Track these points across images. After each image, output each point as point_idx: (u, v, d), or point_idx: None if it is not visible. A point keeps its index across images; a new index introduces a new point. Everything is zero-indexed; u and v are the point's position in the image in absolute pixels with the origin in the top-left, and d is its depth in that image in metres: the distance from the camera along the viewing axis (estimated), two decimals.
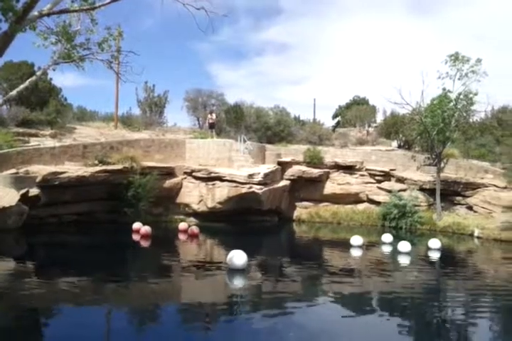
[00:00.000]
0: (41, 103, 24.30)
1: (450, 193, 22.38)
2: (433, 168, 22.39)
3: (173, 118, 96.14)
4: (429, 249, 15.64)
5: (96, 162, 19.04)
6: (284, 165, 23.36)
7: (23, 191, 15.75)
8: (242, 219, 20.87)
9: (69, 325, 7.15)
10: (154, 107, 31.48)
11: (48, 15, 6.56)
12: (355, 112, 35.91)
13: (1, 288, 9.29)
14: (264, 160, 23.28)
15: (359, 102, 41.66)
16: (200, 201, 20.86)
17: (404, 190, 22.33)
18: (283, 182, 22.61)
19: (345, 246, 15.70)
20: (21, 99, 22.55)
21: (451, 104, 20.72)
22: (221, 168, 21.15)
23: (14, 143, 18.84)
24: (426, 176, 22.77)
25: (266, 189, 20.42)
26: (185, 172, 21.56)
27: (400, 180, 23.13)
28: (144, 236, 16.10)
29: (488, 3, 63.93)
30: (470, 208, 22.06)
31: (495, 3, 61.32)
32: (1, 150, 17.36)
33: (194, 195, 21.01)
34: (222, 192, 20.21)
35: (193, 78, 72.68)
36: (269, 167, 21.83)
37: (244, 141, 22.11)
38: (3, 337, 6.67)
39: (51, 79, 25.92)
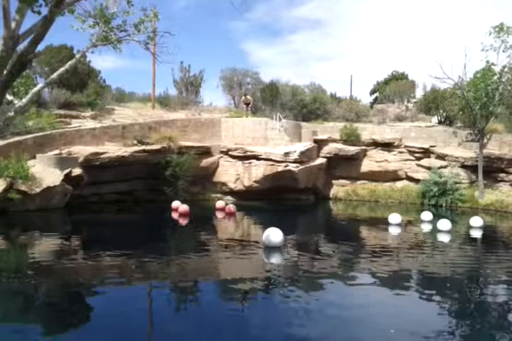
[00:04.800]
0: (81, 85, 24.86)
1: (493, 170, 21.68)
2: (475, 144, 21.67)
3: (209, 97, 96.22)
4: (470, 227, 15.28)
5: (135, 142, 19.46)
6: (320, 143, 23.16)
7: (67, 171, 16.32)
8: (279, 198, 20.96)
9: (111, 300, 7.45)
10: (190, 87, 31.61)
11: None
12: (393, 88, 34.91)
13: (48, 263, 9.76)
14: (300, 138, 23.12)
15: (398, 77, 40.40)
16: (237, 179, 21.03)
17: (444, 167, 21.79)
18: (319, 160, 22.46)
19: (384, 224, 15.55)
20: (62, 82, 23.11)
21: (495, 77, 19.88)
22: (257, 146, 21.18)
23: (56, 124, 19.45)
24: (468, 152, 22.10)
25: (302, 167, 20.36)
26: (221, 152, 21.73)
27: (441, 156, 22.55)
28: (183, 215, 16.43)
29: None
30: None
31: None
32: (44, 132, 17.94)
33: (231, 174, 21.20)
34: (258, 170, 20.30)
35: (228, 57, 72.50)
36: (305, 145, 21.70)
37: (280, 119, 21.99)
38: (50, 311, 7.04)
39: (90, 61, 26.47)
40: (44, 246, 11.70)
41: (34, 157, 16.47)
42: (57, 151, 17.45)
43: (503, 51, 19.63)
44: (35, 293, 7.92)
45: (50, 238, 12.51)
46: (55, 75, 8.50)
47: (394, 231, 14.85)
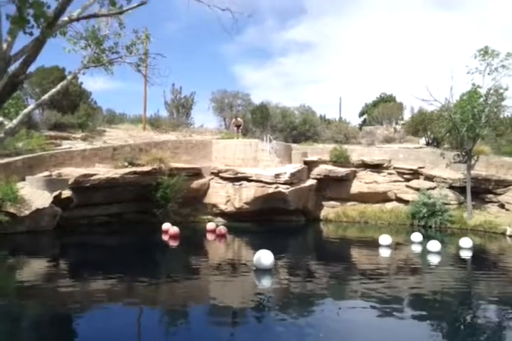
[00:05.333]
0: (72, 107, 24.93)
1: (481, 191, 21.91)
2: (463, 165, 21.95)
3: (200, 119, 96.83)
4: (460, 248, 15.37)
5: (125, 164, 19.43)
6: (310, 165, 23.30)
7: (56, 193, 16.22)
8: (269, 219, 20.94)
9: (100, 324, 7.35)
10: (181, 109, 31.91)
11: (78, 20, 6.73)
12: (381, 110, 35.46)
13: (35, 286, 9.61)
14: (291, 159, 23.27)
15: (386, 99, 41.11)
16: (228, 201, 21.02)
17: (433, 188, 21.98)
18: (309, 182, 22.56)
19: (374, 245, 15.58)
20: (53, 103, 23.16)
21: (481, 99, 20.32)
22: (247, 168, 21.26)
23: (47, 146, 19.38)
24: (456, 174, 22.36)
25: (292, 188, 20.43)
26: (212, 173, 21.76)
27: (429, 178, 22.77)
28: (173, 237, 16.33)
29: None
30: (502, 206, 21.54)
31: None
32: (34, 154, 17.88)
33: (221, 195, 21.19)
34: (248, 192, 20.33)
35: (219, 79, 73.31)
36: (295, 166, 21.83)
37: (270, 141, 22.16)
38: (36, 335, 6.92)
39: (81, 83, 26.61)
40: (32, 268, 11.54)
41: (23, 179, 16.37)
42: (47, 173, 17.36)
43: (488, 74, 20.14)
44: (21, 316, 7.80)
45: (38, 260, 12.36)
46: (46, 96, 8.55)
47: (384, 252, 14.88)
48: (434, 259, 13.92)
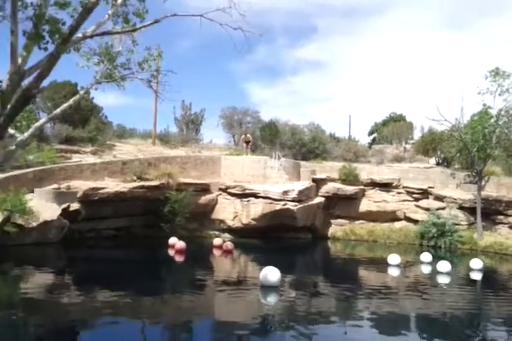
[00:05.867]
0: (83, 121, 25.22)
1: (491, 212, 21.63)
2: (473, 185, 21.73)
3: (209, 135, 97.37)
4: (470, 269, 15.09)
5: (134, 178, 19.48)
6: (318, 182, 23.20)
7: (65, 206, 16.26)
8: (276, 236, 20.78)
9: (104, 337, 7.28)
10: (191, 125, 32.13)
11: (92, 37, 6.85)
12: (391, 129, 35.50)
13: (41, 299, 9.56)
14: (299, 177, 23.20)
15: (396, 119, 41.17)
16: (235, 217, 20.93)
17: (443, 209, 21.75)
18: (318, 199, 22.44)
19: (382, 265, 15.36)
20: (64, 117, 23.44)
21: (492, 120, 20.24)
22: (256, 184, 21.22)
23: (57, 159, 19.53)
24: (466, 194, 22.13)
25: (300, 206, 20.32)
26: (220, 189, 21.74)
27: (439, 198, 22.56)
28: (179, 252, 16.23)
29: None
30: None
31: None
32: (44, 166, 18.01)
33: (229, 211, 21.12)
34: (256, 208, 20.24)
35: (229, 96, 73.96)
36: (303, 184, 21.75)
37: (279, 158, 22.16)
38: None
39: (93, 98, 26.96)
40: (37, 280, 11.49)
41: (32, 191, 16.45)
42: (55, 185, 17.44)
43: (499, 95, 20.12)
44: (25, 328, 7.74)
45: (44, 273, 12.31)
46: (58, 110, 8.64)
47: (393, 272, 14.66)
48: (443, 280, 13.69)
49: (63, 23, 5.42)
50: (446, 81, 64.85)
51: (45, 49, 5.42)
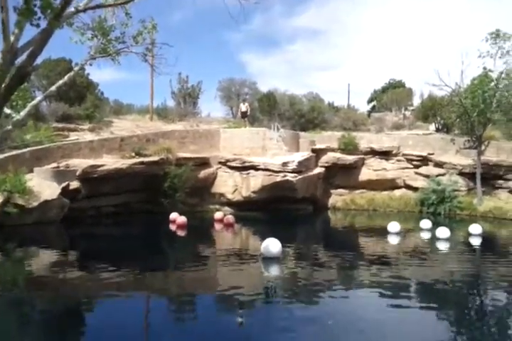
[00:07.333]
0: (79, 98, 24.97)
1: (491, 177, 21.65)
2: (473, 151, 21.67)
3: (207, 108, 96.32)
4: (469, 234, 15.23)
5: (133, 154, 19.43)
6: (318, 153, 23.16)
7: (64, 184, 16.28)
8: (277, 208, 20.89)
9: (109, 313, 7.40)
10: (188, 98, 31.75)
11: (84, 10, 6.67)
12: (390, 96, 35.12)
13: (45, 277, 9.70)
14: (298, 147, 23.13)
15: (395, 85, 40.68)
16: (235, 190, 20.99)
17: (442, 175, 21.78)
18: (317, 170, 22.44)
19: (382, 233, 15.50)
20: (60, 95, 23.21)
21: (492, 83, 19.98)
22: (255, 156, 21.17)
23: (54, 137, 19.45)
24: (466, 160, 22.10)
25: (300, 177, 20.33)
26: (219, 162, 21.72)
27: (439, 164, 22.54)
28: (181, 226, 16.36)
29: None
30: None
31: None
32: (42, 145, 17.94)
33: (229, 185, 21.16)
34: (256, 181, 20.27)
35: (226, 68, 72.90)
36: (303, 154, 21.69)
37: (278, 129, 22.01)
38: (45, 326, 6.98)
39: (88, 74, 26.60)
40: (41, 260, 11.64)
41: (31, 171, 16.44)
42: (54, 164, 17.40)
43: (500, 57, 19.83)
44: (31, 306, 7.88)
45: (46, 252, 12.45)
46: (53, 88, 8.53)
47: (393, 240, 14.80)
48: (443, 246, 13.82)
49: None
50: (446, 45, 63.71)
51: (38, 25, 5.26)
